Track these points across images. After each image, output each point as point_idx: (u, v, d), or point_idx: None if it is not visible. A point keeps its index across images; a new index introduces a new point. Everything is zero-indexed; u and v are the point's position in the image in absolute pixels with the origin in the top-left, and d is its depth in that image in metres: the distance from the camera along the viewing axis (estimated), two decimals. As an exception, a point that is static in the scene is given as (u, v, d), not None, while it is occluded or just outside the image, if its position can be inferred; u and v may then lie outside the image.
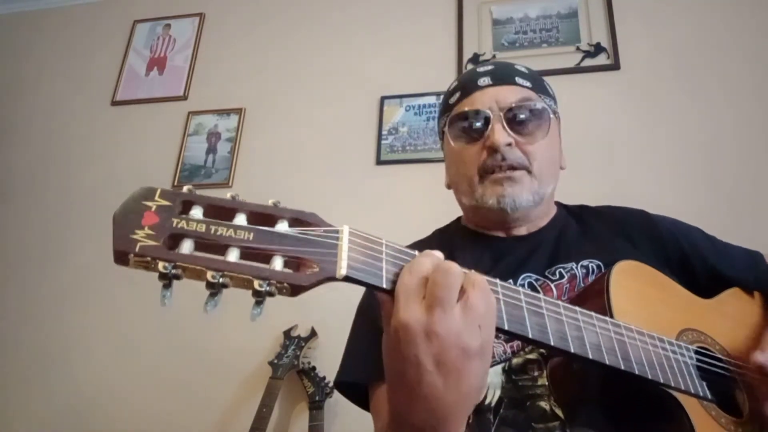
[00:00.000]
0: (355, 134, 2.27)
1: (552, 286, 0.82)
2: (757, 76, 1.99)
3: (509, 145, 0.84)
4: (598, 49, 2.16)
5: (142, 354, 2.09)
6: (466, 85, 0.92)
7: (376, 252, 0.52)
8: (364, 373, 0.81)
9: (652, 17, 2.17)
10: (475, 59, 2.25)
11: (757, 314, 0.89)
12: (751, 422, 0.72)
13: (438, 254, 0.53)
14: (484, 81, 0.89)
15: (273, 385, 1.76)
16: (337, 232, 0.50)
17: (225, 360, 1.99)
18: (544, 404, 0.71)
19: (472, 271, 0.52)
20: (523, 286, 0.82)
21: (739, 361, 0.78)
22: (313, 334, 1.90)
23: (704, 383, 0.68)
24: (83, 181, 2.48)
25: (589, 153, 2.01)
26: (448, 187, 0.99)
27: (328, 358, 1.88)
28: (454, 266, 0.50)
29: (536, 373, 0.74)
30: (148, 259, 0.43)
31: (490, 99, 0.87)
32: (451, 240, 0.96)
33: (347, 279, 0.49)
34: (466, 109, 0.89)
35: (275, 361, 1.81)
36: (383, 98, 2.28)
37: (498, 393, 0.74)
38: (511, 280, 0.82)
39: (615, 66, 2.11)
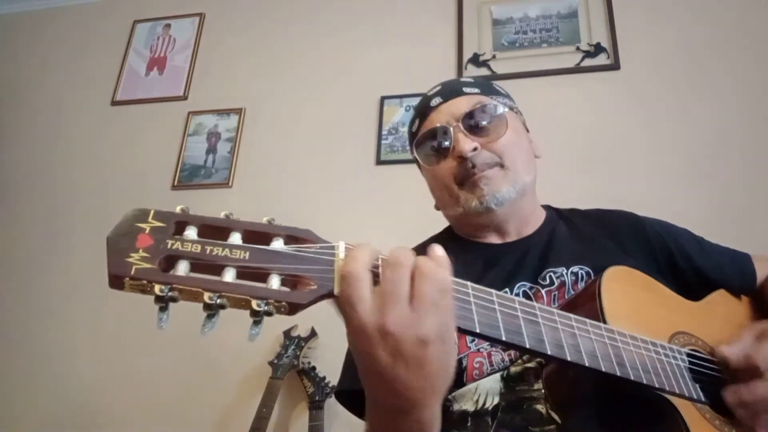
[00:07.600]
0: (355, 134, 2.27)
1: (543, 292, 0.84)
2: (757, 76, 1.99)
3: (475, 149, 0.89)
4: (598, 49, 2.16)
5: (142, 354, 2.09)
6: (422, 111, 0.99)
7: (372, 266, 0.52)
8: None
9: (652, 17, 2.17)
10: (475, 59, 2.25)
11: (744, 315, 0.91)
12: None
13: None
14: (435, 101, 0.96)
15: (273, 385, 1.76)
16: (332, 248, 0.50)
17: (225, 360, 1.99)
18: (540, 407, 0.72)
19: (422, 257, 0.52)
20: (518, 295, 0.84)
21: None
22: (313, 334, 1.90)
23: (697, 385, 0.69)
24: (83, 181, 2.48)
25: (589, 153, 2.01)
26: (437, 208, 1.04)
27: (328, 358, 1.88)
28: (402, 257, 0.51)
29: (533, 381, 0.75)
30: (144, 282, 0.44)
31: (446, 114, 0.93)
32: (445, 246, 0.95)
33: None
34: (426, 129, 0.95)
35: (275, 361, 1.81)
36: (383, 98, 2.28)
37: (496, 399, 0.75)
38: (507, 290, 0.84)
39: (615, 66, 2.11)
